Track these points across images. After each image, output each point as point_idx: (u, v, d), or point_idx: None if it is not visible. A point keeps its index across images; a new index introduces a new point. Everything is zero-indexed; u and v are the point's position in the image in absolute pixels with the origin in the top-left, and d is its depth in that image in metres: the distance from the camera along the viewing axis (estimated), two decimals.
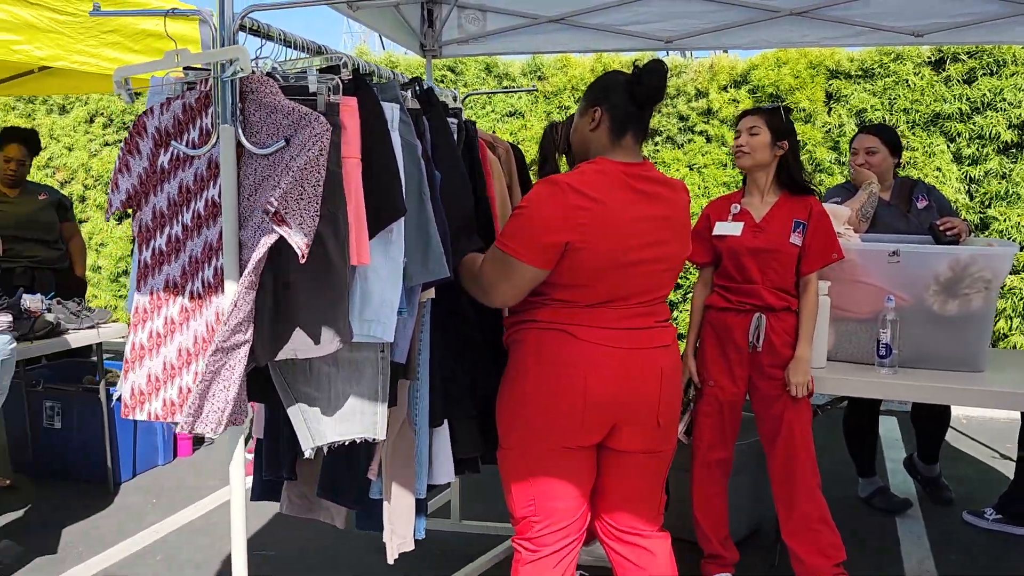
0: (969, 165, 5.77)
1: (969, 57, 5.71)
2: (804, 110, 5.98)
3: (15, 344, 3.28)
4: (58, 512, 4.01)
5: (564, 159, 3.26)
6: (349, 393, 2.05)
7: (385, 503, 2.37)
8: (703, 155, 6.20)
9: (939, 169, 5.77)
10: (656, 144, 6.37)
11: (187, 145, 1.85)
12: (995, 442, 5.06)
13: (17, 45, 3.54)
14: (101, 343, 4.16)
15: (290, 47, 2.00)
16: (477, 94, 6.36)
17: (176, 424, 1.80)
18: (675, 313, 6.00)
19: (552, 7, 4.08)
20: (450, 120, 2.46)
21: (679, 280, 5.73)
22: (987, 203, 5.74)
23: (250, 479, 4.35)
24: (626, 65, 6.44)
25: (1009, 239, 5.55)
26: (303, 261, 1.67)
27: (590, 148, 2.34)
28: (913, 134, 5.81)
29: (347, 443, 2.08)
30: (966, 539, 3.66)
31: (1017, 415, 4.10)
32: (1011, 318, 5.67)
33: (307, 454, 2.04)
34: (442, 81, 6.65)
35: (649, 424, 2.32)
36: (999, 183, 5.69)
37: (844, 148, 5.93)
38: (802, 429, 2.93)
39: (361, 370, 2.05)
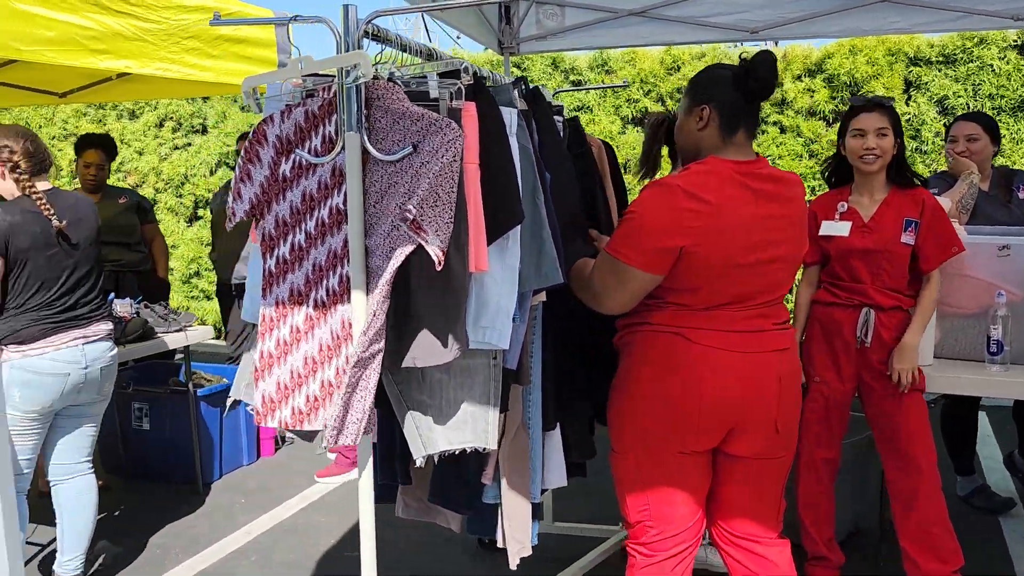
0: None
1: None
2: None
3: (116, 350, 3.33)
4: (151, 513, 4.07)
5: (667, 152, 3.21)
6: (461, 400, 2.02)
7: (503, 509, 2.35)
8: (777, 146, 6.08)
9: None
10: None
11: (309, 153, 1.83)
12: None
13: (105, 56, 3.59)
14: (188, 346, 4.22)
15: (405, 51, 1.98)
16: (574, 90, 6.28)
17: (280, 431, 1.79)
18: None
19: (631, 0, 4.02)
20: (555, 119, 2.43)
21: None
22: None
23: (335, 479, 4.40)
24: (696, 57, 6.35)
25: None
26: (439, 268, 1.65)
27: (700, 148, 2.28)
28: (1000, 120, 5.62)
29: (457, 452, 2.05)
30: None
31: None
32: None
33: (418, 463, 2.02)
34: None
35: (766, 430, 2.26)
36: None
37: (926, 136, 5.76)
38: (920, 427, 2.84)
39: (473, 377, 2.02)
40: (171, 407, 4.39)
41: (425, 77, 1.83)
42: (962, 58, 5.70)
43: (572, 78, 6.54)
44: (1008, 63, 5.61)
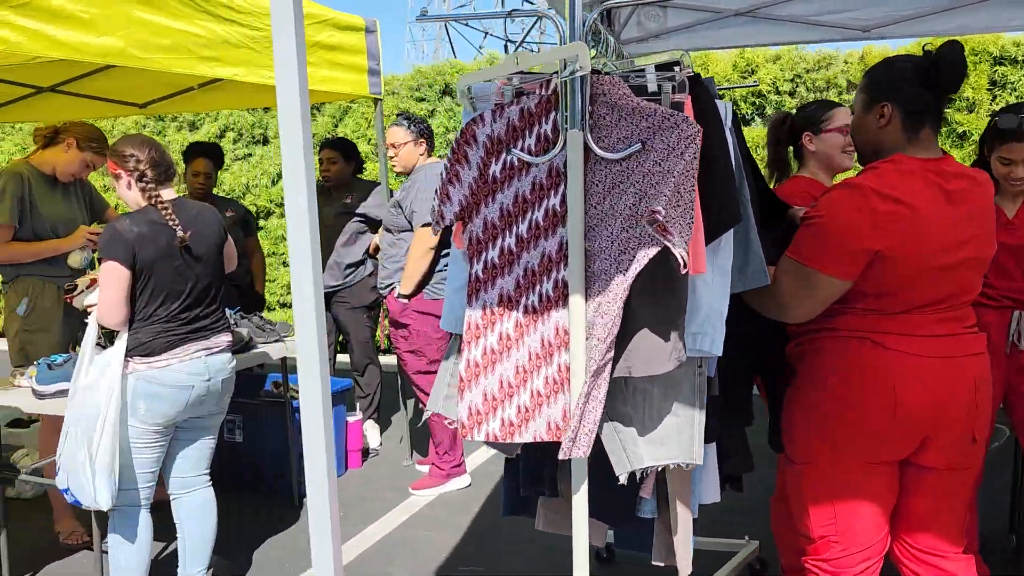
0: None
1: None
2: (967, 99, 5.70)
3: (235, 362, 3.27)
4: (252, 526, 4.00)
5: (791, 152, 3.13)
6: (666, 412, 1.93)
7: (668, 524, 2.25)
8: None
9: None
10: None
11: (523, 153, 1.76)
12: None
13: (214, 63, 3.54)
14: (285, 357, 4.15)
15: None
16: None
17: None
18: None
19: (736, 0, 3.93)
20: None
21: None
22: None
23: (431, 491, 4.31)
24: (770, 60, 6.25)
25: None
26: (684, 271, 1.57)
27: (881, 147, 2.19)
28: None
29: (660, 468, 1.96)
30: None
31: None
32: None
33: (621, 479, 1.93)
34: None
35: (961, 438, 2.17)
36: None
37: None
38: None
39: (678, 387, 1.93)
40: (266, 419, 4.32)
41: (641, 70, 1.74)
42: None
43: None
44: None
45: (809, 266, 2.07)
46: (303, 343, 1.20)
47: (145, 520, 3.01)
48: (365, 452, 5.00)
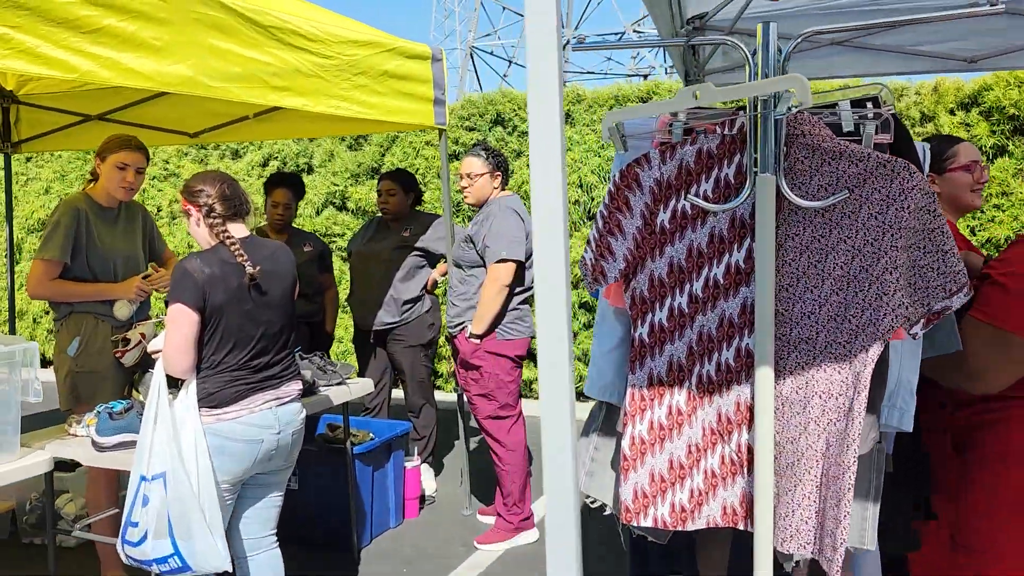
0: None
1: None
2: None
3: (304, 412, 3.04)
4: None
5: None
6: None
7: None
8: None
9: None
10: None
11: (699, 199, 1.53)
12: None
13: (284, 93, 3.36)
14: (348, 402, 3.92)
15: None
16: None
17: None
18: None
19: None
20: None
21: None
22: None
23: (498, 546, 4.06)
24: (838, 90, 6.03)
25: None
26: (916, 339, 1.33)
27: None
28: None
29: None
30: None
31: None
32: None
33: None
34: None
35: None
36: None
37: None
38: None
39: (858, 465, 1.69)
40: (324, 466, 4.08)
41: (833, 106, 1.52)
42: None
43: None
44: None
45: (1006, 329, 1.81)
46: (547, 376, 0.95)
47: None
48: (422, 499, 4.75)
